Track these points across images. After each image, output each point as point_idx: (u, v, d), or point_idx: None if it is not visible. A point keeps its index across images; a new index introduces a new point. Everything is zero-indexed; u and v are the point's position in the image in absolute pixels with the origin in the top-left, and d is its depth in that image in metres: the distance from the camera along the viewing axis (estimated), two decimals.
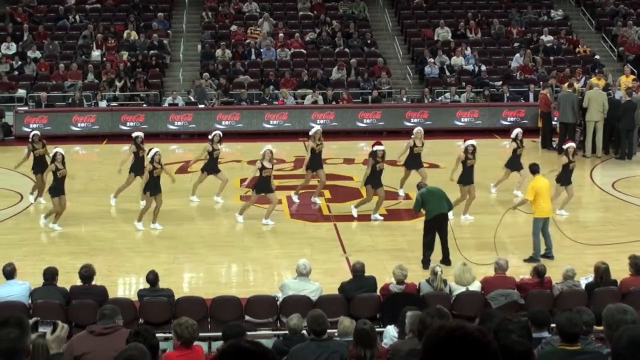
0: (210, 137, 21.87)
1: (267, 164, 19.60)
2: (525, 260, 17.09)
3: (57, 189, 19.50)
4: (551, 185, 17.92)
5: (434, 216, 17.12)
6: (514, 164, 22.10)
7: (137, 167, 21.27)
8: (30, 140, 21.96)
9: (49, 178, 20.19)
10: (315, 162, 21.50)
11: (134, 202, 21.40)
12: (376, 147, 20.00)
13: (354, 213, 20.50)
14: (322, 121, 30.66)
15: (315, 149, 21.40)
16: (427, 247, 17.21)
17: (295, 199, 21.88)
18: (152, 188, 19.45)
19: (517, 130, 22.35)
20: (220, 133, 22.12)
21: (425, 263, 16.86)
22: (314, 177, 21.83)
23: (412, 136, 21.93)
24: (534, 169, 17.98)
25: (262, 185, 19.72)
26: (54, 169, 19.51)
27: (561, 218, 19.91)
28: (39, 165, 21.41)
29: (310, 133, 21.62)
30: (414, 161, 21.85)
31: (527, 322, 7.03)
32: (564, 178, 20.32)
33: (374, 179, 19.97)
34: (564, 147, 20.96)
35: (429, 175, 21.15)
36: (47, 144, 22.19)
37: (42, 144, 21.76)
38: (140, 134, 22.27)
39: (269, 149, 20.06)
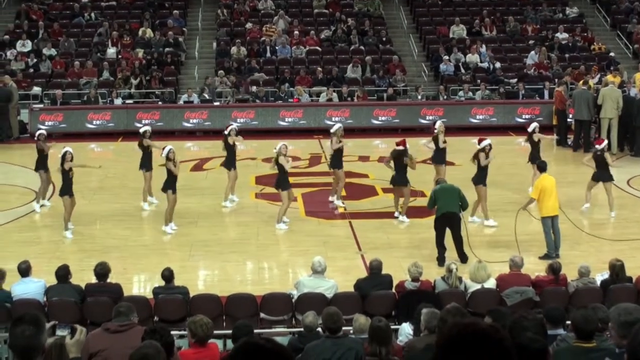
0: (226, 131, 21.66)
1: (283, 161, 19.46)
2: (540, 258, 17.05)
3: (69, 189, 19.45)
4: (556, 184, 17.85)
5: (442, 214, 17.11)
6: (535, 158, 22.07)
7: (146, 163, 21.27)
8: (38, 139, 21.88)
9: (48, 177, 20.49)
10: (336, 160, 21.44)
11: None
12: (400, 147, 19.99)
13: (403, 219, 20.35)
14: (337, 118, 30.67)
15: (338, 147, 21.28)
16: (439, 245, 17.20)
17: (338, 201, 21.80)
18: (173, 186, 19.45)
19: (533, 125, 22.41)
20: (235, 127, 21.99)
21: (440, 260, 16.84)
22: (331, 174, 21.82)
23: (435, 130, 21.79)
24: (542, 167, 17.94)
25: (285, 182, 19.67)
26: (68, 169, 19.41)
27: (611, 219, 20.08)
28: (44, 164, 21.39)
29: (332, 130, 21.47)
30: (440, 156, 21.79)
31: (542, 320, 7.01)
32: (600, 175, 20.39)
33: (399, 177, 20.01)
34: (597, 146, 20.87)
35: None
36: (61, 142, 22.29)
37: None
38: (148, 128, 22.18)
39: (284, 144, 20.00)
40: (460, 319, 7.39)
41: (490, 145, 19.80)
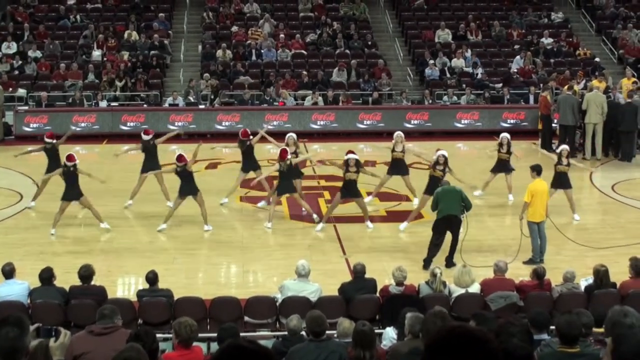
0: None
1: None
2: (524, 263, 17.08)
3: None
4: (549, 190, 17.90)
5: (443, 217, 17.12)
6: (501, 167, 22.11)
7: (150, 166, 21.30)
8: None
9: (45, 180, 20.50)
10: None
11: (135, 201, 21.42)
12: (349, 156, 19.77)
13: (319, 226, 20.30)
14: (322, 122, 30.69)
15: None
16: (434, 247, 17.17)
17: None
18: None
19: (503, 135, 22.33)
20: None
21: (427, 263, 16.85)
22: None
23: (392, 141, 21.77)
24: (538, 170, 17.93)
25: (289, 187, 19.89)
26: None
27: (575, 223, 20.02)
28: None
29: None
30: (394, 166, 21.68)
31: (528, 326, 7.02)
32: (555, 181, 20.27)
33: (348, 189, 19.75)
34: (558, 150, 20.94)
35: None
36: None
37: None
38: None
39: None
40: (443, 322, 7.42)
41: (444, 156, 19.61)
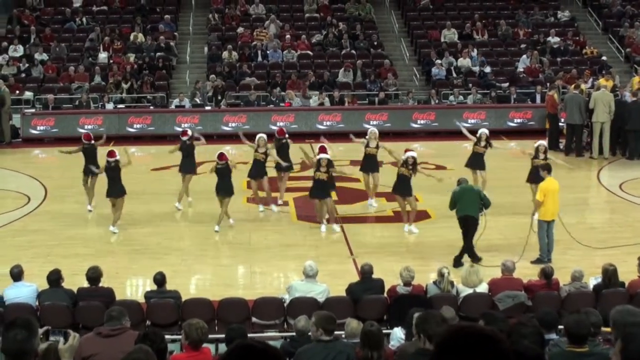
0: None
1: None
2: (532, 262, 17.05)
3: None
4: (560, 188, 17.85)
5: (460, 217, 17.18)
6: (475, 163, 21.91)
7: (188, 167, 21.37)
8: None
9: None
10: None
11: (142, 203, 21.43)
12: (320, 156, 19.68)
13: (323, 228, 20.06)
14: (328, 123, 30.69)
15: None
16: (466, 248, 17.22)
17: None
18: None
19: (481, 131, 22.15)
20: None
21: (474, 258, 17.01)
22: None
23: (366, 136, 21.74)
24: (549, 169, 17.86)
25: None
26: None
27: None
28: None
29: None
30: (366, 163, 21.65)
31: (540, 328, 7.01)
32: (532, 175, 20.18)
33: (317, 189, 19.66)
34: (535, 144, 20.75)
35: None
36: (57, 146, 22.35)
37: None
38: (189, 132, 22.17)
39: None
40: (437, 326, 7.40)
41: (414, 157, 19.44)
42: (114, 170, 19.71)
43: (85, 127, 30.78)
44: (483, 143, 21.76)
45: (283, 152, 21.70)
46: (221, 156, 19.77)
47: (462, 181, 17.93)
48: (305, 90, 32.87)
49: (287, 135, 22.00)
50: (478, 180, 21.33)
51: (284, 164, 21.37)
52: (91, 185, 21.23)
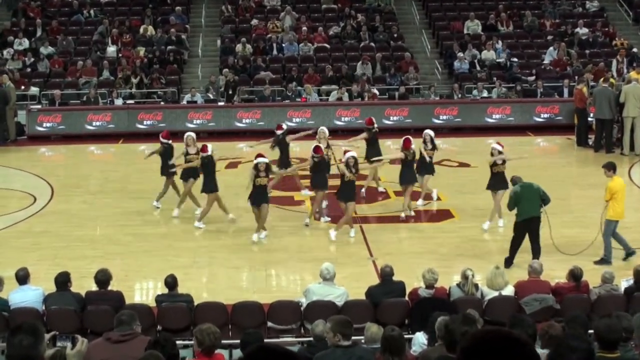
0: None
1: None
2: (595, 263, 16.89)
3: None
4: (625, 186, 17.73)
5: (525, 219, 16.87)
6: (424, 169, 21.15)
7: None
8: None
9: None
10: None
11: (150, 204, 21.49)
12: (258, 160, 19.05)
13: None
14: (347, 119, 30.66)
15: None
16: (514, 248, 16.97)
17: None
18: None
19: (426, 132, 21.45)
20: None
21: (508, 262, 16.77)
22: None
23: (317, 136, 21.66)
24: (613, 167, 17.63)
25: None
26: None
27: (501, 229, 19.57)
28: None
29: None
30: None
31: (591, 346, 6.89)
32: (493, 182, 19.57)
33: (256, 195, 19.09)
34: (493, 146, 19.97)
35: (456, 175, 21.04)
36: (64, 143, 22.38)
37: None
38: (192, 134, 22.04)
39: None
40: (464, 326, 7.38)
41: (354, 157, 19.16)
42: (207, 166, 19.82)
43: (94, 123, 30.89)
44: (430, 145, 21.10)
45: (373, 142, 22.19)
46: (317, 149, 20.09)
47: (517, 179, 17.37)
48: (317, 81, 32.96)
49: (375, 125, 22.64)
50: (424, 187, 21.12)
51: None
52: (168, 184, 21.21)
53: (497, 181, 19.30)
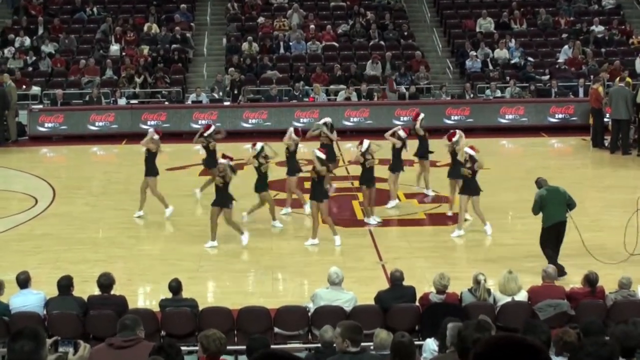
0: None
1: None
2: None
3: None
4: None
5: (553, 224, 16.67)
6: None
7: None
8: (204, 134, 22.17)
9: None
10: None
11: (156, 206, 21.50)
12: (220, 161, 19.27)
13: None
14: (356, 119, 30.65)
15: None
16: (552, 257, 16.46)
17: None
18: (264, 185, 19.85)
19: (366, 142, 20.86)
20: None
21: (561, 271, 16.17)
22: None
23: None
24: None
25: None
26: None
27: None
28: (212, 160, 21.32)
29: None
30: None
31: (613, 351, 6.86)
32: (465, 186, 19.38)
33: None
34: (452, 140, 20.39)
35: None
36: (66, 144, 22.41)
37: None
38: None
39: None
40: (478, 333, 7.37)
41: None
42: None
43: (96, 123, 30.93)
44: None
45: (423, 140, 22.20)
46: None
47: (542, 182, 17.16)
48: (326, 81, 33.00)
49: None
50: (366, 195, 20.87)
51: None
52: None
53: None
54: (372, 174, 20.16)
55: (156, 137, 21.25)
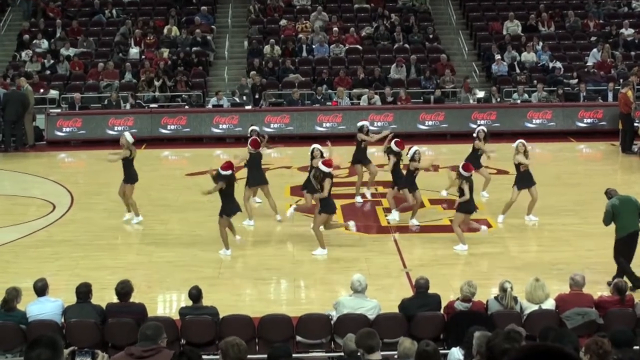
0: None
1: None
2: None
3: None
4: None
5: (628, 234, 16.41)
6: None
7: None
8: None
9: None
10: (362, 155, 22.34)
11: (176, 211, 21.53)
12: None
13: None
14: (380, 124, 30.64)
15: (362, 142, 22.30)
16: (628, 270, 16.21)
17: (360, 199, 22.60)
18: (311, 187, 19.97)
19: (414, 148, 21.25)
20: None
21: (636, 281, 16.13)
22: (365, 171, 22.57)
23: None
24: None
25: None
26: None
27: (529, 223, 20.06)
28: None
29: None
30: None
31: None
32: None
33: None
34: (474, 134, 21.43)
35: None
36: (84, 149, 22.45)
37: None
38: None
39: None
40: (507, 343, 7.34)
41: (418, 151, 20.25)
42: (255, 159, 20.85)
43: (115, 128, 30.99)
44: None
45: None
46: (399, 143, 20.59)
47: (612, 192, 16.85)
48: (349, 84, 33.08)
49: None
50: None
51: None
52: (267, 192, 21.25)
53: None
54: (413, 178, 20.41)
55: (131, 139, 21.04)
